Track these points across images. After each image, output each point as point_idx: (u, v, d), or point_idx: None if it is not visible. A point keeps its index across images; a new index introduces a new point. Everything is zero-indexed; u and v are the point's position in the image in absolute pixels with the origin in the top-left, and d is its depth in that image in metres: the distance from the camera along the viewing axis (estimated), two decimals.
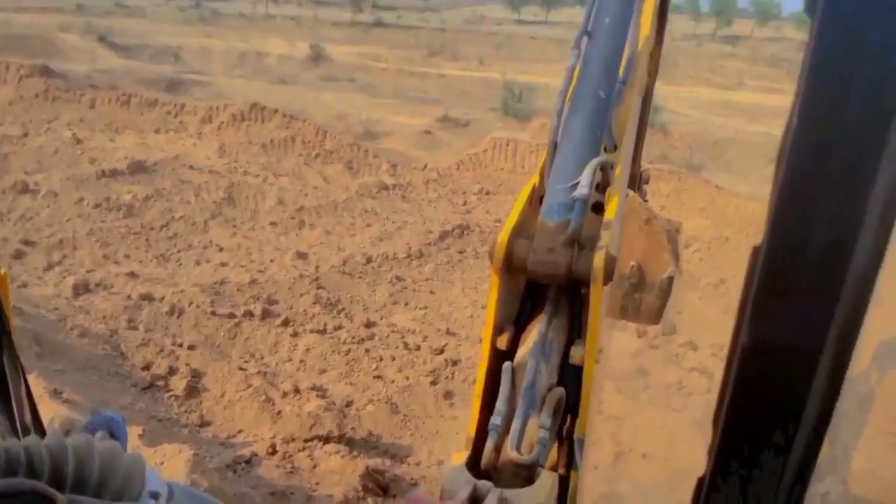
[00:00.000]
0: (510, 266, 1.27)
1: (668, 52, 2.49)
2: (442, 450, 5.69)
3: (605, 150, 1.45)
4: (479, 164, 13.50)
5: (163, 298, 7.37)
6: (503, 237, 1.27)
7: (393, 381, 6.51)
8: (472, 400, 1.31)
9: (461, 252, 9.68)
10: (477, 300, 8.26)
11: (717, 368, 6.75)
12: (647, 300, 2.33)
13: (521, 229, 1.32)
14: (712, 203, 11.51)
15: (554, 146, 1.44)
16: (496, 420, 1.20)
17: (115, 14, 36.26)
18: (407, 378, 6.57)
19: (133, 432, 4.84)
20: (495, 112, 18.70)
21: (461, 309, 8.14)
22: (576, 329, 1.30)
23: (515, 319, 1.34)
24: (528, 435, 1.19)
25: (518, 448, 1.16)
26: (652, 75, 2.19)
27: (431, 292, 8.53)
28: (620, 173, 1.45)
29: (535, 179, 1.44)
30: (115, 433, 0.98)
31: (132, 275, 8.03)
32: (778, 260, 0.61)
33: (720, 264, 9.53)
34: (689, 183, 12.03)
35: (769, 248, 0.61)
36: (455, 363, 6.80)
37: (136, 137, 13.79)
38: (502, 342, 1.30)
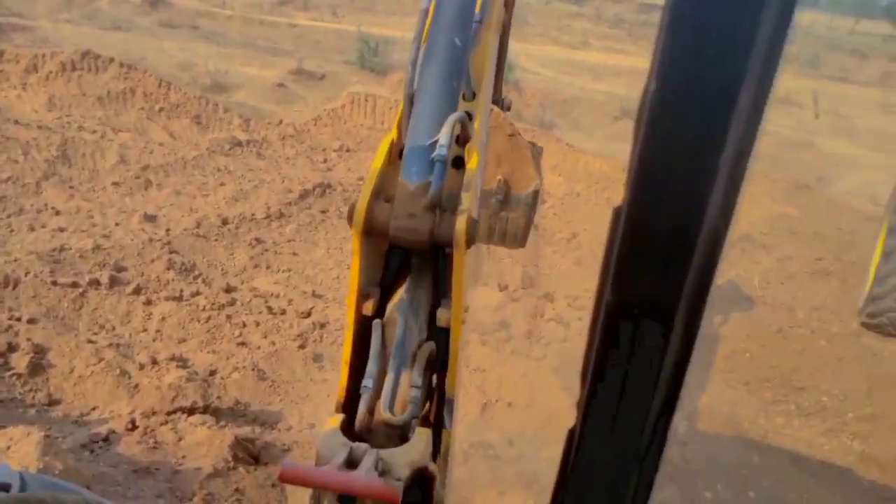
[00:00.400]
0: (371, 231, 1.24)
1: (519, 9, 2.50)
2: (313, 413, 5.65)
3: (464, 97, 1.42)
4: (337, 119, 13.20)
5: None
6: (362, 202, 1.24)
7: (258, 347, 6.35)
8: (342, 364, 1.30)
9: (324, 212, 9.50)
10: (342, 261, 8.17)
11: (573, 318, 7.19)
12: (513, 218, 2.36)
13: (382, 190, 1.29)
14: (564, 160, 12.03)
15: (410, 99, 1.40)
16: (367, 382, 1.19)
17: None
18: (273, 343, 6.43)
19: None
20: (351, 65, 18.27)
21: (326, 270, 8.03)
22: (441, 290, 1.30)
23: (380, 282, 1.32)
24: (401, 394, 1.20)
25: (391, 408, 1.17)
26: (509, 7, 2.14)
27: (294, 254, 8.34)
28: (480, 125, 1.41)
29: (393, 135, 1.40)
30: None
31: None
32: (639, 221, 0.64)
33: (572, 218, 10.05)
34: (543, 140, 12.41)
35: (630, 210, 0.63)
36: (323, 325, 6.73)
37: None
38: (368, 308, 1.28)
